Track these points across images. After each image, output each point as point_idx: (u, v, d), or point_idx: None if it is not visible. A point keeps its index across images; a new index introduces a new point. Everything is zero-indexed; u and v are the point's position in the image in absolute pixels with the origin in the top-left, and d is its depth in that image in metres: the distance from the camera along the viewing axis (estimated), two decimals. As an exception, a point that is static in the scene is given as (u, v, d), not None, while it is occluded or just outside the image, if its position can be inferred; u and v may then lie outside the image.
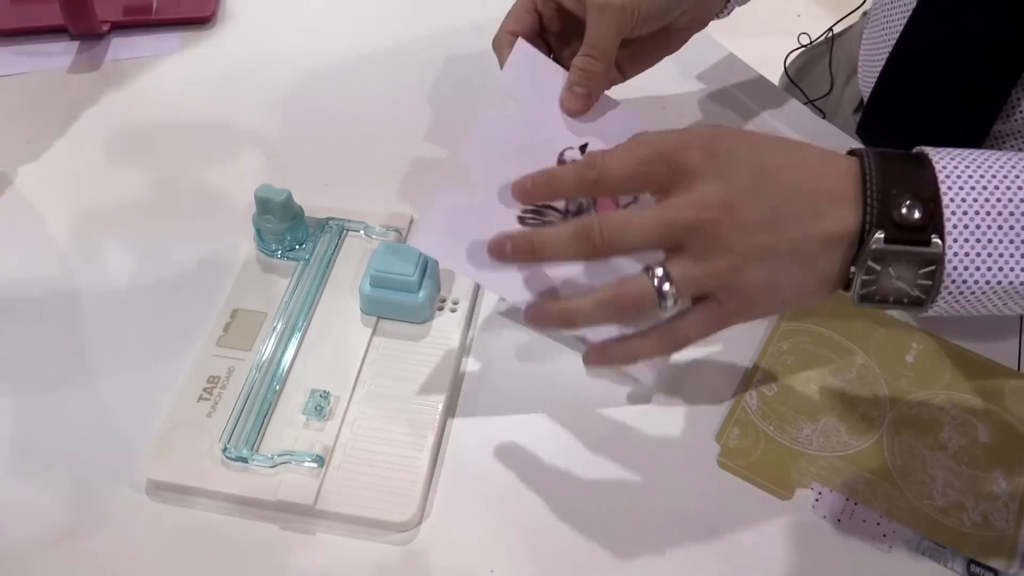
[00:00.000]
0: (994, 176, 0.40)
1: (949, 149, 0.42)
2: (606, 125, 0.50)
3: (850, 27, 0.80)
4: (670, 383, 0.50)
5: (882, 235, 0.39)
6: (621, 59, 0.52)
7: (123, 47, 0.74)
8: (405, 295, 0.50)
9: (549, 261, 0.44)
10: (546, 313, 0.44)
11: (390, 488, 0.44)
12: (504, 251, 0.43)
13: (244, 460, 0.45)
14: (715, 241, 0.40)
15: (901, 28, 0.59)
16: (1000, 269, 0.39)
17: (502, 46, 0.52)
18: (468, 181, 0.46)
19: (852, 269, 0.41)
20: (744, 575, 0.43)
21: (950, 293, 0.40)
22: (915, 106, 0.61)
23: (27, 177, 0.62)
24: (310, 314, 0.52)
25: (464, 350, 0.51)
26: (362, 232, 0.56)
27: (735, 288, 0.41)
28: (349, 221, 0.56)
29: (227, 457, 0.45)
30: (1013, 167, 0.40)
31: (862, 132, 0.65)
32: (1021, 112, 0.56)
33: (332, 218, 0.56)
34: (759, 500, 0.46)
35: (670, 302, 0.40)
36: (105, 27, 0.74)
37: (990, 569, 0.43)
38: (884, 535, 0.44)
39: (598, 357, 0.45)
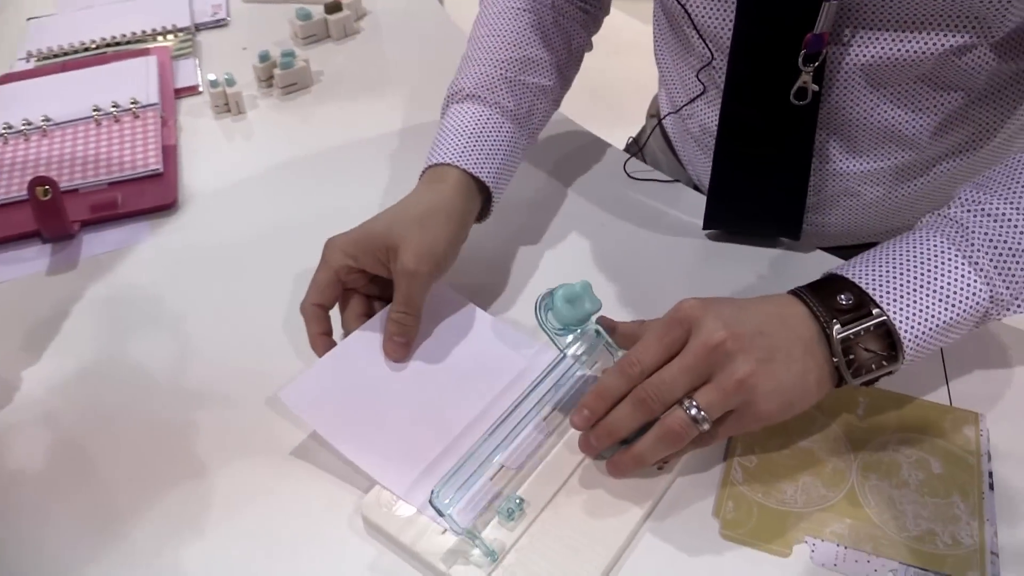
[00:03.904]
0: (884, 261, 0.54)
1: (845, 263, 0.56)
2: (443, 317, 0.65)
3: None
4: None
5: (837, 324, 0.52)
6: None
7: (96, 242, 0.79)
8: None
9: (622, 433, 0.53)
10: (621, 463, 0.54)
11: None
12: (589, 443, 0.54)
13: (440, 513, 0.50)
14: (729, 360, 0.51)
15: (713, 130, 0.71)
16: (932, 316, 0.52)
17: (311, 319, 0.62)
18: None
19: (835, 361, 0.53)
20: (766, 630, 0.49)
21: (911, 342, 0.52)
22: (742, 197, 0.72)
23: (31, 380, 0.66)
24: (571, 415, 0.56)
25: (662, 497, 0.55)
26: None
27: (750, 400, 0.51)
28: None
29: (431, 502, 0.50)
30: (894, 252, 0.55)
31: (709, 223, 0.75)
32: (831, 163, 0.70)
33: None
34: (764, 561, 0.52)
35: (705, 425, 0.51)
36: (76, 227, 0.79)
37: (968, 583, 0.50)
38: (875, 570, 0.51)
39: (635, 463, 0.54)
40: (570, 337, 0.60)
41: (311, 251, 0.69)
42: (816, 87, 0.63)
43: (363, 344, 0.62)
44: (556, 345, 0.60)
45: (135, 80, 0.96)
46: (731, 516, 0.54)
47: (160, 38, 1.08)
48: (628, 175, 0.83)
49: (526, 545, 0.51)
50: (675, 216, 0.78)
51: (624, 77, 2.27)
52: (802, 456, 0.57)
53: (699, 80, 0.73)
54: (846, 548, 0.52)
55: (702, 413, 0.50)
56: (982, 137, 0.69)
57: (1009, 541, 0.53)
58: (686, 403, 0.51)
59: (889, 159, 0.69)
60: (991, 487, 0.55)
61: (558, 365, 0.59)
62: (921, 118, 0.66)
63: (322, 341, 0.62)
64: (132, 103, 0.92)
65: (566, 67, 0.77)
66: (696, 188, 0.84)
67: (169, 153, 0.88)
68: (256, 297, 0.72)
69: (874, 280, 0.53)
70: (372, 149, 0.89)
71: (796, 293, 0.55)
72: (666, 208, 0.79)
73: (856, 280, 0.54)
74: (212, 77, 0.93)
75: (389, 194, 0.82)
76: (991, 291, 0.53)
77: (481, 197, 0.69)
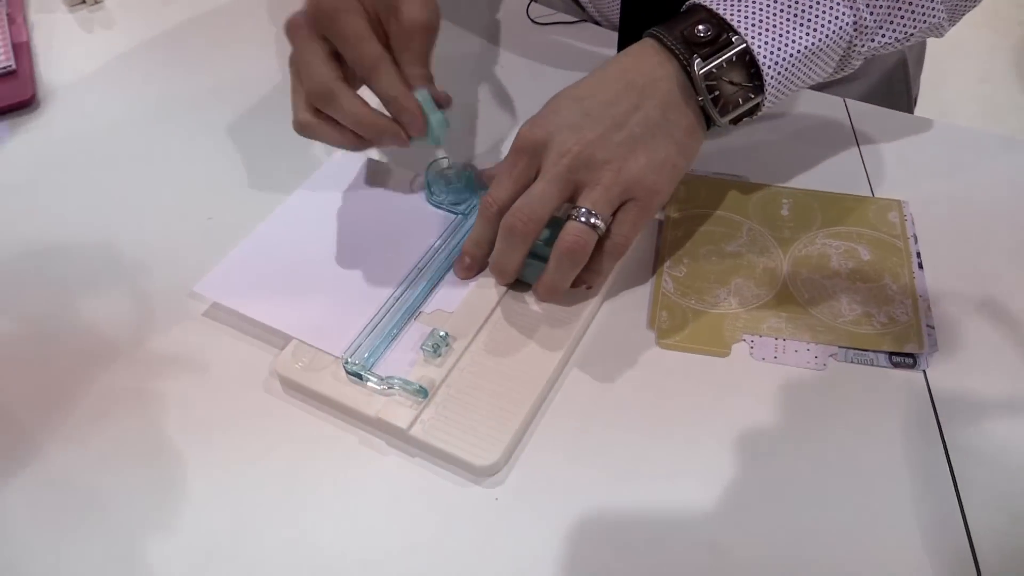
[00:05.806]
0: None
1: None
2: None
3: None
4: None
5: (698, 59, 0.49)
6: None
7: (-51, 149, 0.71)
8: (540, 262, 0.51)
9: (511, 268, 0.51)
10: (540, 296, 0.51)
11: (481, 433, 0.46)
12: (470, 272, 0.53)
13: (359, 377, 0.48)
14: (592, 163, 0.48)
15: None
16: (794, 40, 0.49)
17: (341, 96, 0.51)
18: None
19: (700, 100, 0.50)
20: (718, 428, 0.47)
21: (772, 69, 0.49)
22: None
23: None
24: (454, 264, 0.55)
25: (591, 317, 0.53)
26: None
27: (633, 183, 0.48)
28: None
29: (346, 370, 0.48)
30: None
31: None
32: None
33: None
34: (704, 364, 0.50)
35: (600, 224, 0.48)
36: (-78, 135, 0.70)
37: (908, 355, 0.49)
38: (816, 357, 0.50)
39: (551, 294, 0.51)
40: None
41: (213, 124, 0.63)
42: None
43: (282, 225, 0.58)
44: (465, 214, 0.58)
45: (-29, -23, 0.86)
46: (666, 325, 0.52)
47: (-5, -66, 0.97)
48: (532, 20, 0.78)
49: (457, 379, 0.48)
50: (588, 53, 0.74)
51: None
52: (731, 260, 0.55)
53: None
54: (784, 340, 0.51)
55: (593, 216, 0.48)
56: None
57: (944, 314, 0.52)
58: (573, 212, 0.48)
59: None
60: (920, 266, 0.54)
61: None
62: None
63: (373, 114, 0.52)
64: (-30, 1, 0.83)
65: None
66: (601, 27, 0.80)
67: (22, 51, 0.79)
68: (158, 179, 0.65)
69: (732, 4, 0.50)
70: (263, 11, 0.82)
71: (652, 34, 0.52)
72: (577, 47, 0.75)
73: (713, 6, 0.50)
74: (59, -35, 0.84)
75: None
76: (855, 16, 0.50)
77: None
